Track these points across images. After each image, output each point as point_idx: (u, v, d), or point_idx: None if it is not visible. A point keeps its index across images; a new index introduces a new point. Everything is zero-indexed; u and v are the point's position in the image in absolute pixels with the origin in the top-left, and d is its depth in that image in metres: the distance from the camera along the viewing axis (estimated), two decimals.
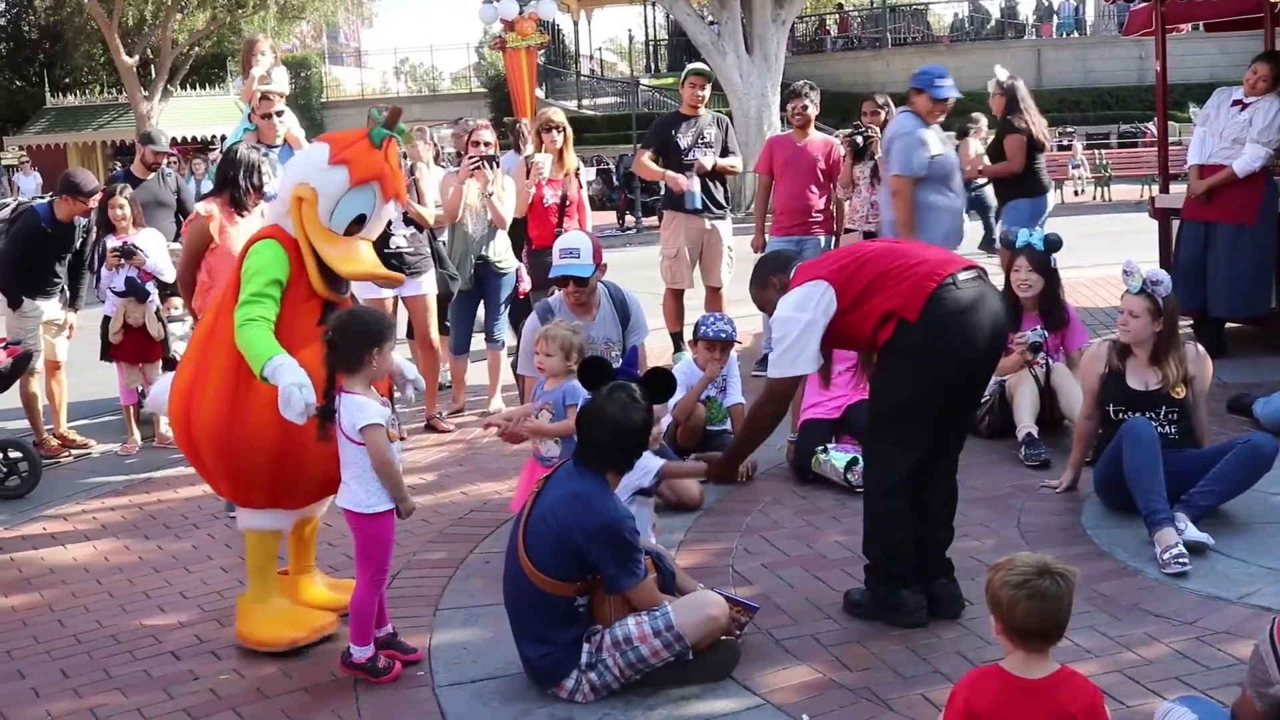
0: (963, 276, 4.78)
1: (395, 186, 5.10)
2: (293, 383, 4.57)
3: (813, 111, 9.57)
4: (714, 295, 9.85)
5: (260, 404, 4.80)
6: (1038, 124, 9.89)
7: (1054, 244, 7.46)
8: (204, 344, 5.06)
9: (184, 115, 37.05)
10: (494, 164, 8.69)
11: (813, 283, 4.89)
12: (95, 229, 8.93)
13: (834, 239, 9.50)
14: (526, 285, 9.03)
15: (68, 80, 43.28)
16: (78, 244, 8.75)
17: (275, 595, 5.26)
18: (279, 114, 8.43)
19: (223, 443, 4.93)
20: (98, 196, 8.56)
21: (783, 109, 11.83)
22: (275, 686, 4.79)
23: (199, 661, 5.09)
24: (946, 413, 4.92)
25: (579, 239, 6.75)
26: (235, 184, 7.09)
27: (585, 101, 44.22)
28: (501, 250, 8.90)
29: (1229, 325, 9.49)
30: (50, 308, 8.73)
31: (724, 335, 7.12)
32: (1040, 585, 3.21)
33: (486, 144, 8.74)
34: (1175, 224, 9.63)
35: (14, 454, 7.88)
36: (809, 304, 4.86)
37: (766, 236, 9.73)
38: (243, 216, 7.11)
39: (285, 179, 5.15)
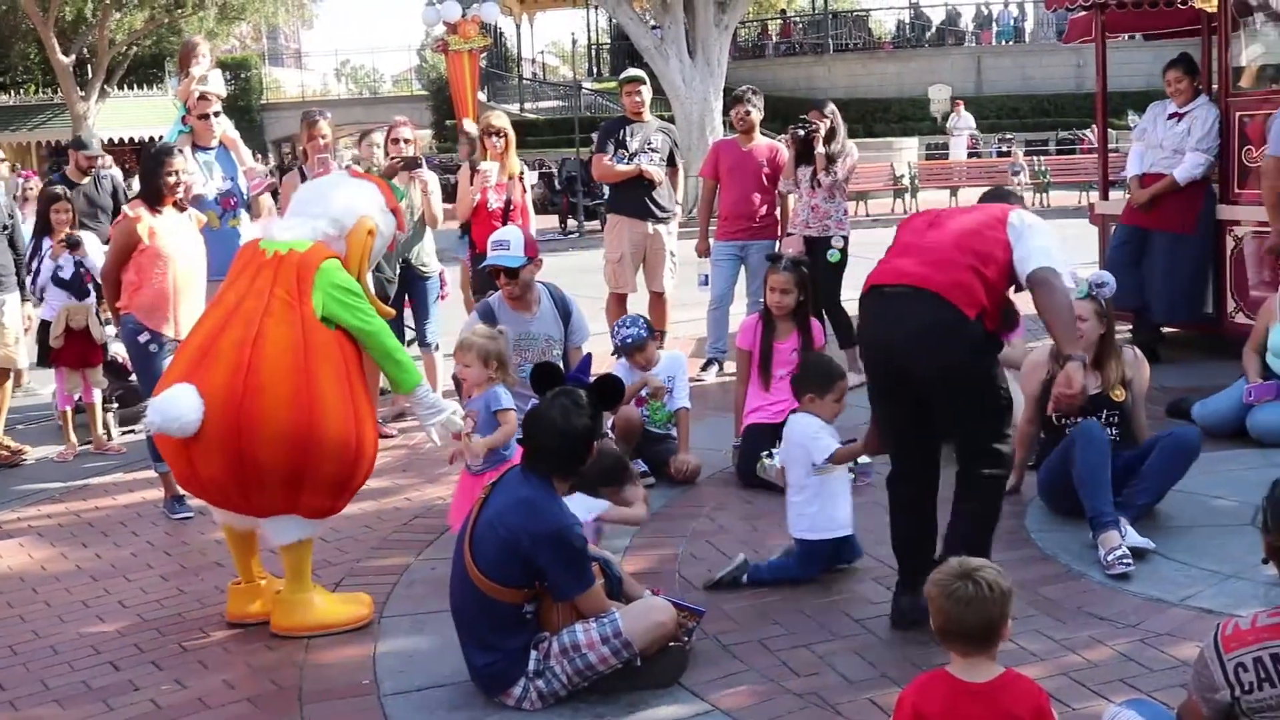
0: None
1: None
2: (456, 412, 5.51)
3: (756, 116, 9.59)
4: (657, 300, 9.85)
5: (368, 414, 5.20)
6: None
7: None
8: (299, 360, 4.97)
9: (121, 116, 36.67)
10: (416, 164, 8.63)
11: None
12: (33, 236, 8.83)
13: (778, 243, 9.51)
14: (449, 290, 9.02)
15: (2, 79, 42.65)
16: (8, 220, 8.58)
17: (315, 590, 5.35)
18: (216, 115, 8.34)
19: (346, 456, 5.08)
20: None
21: (726, 114, 11.86)
22: (218, 698, 4.72)
23: (139, 672, 5.01)
24: (884, 412, 5.02)
25: (510, 232, 6.86)
26: (154, 183, 7.02)
27: (527, 105, 44.08)
28: (427, 253, 8.87)
29: (1166, 330, 9.60)
30: (8, 309, 8.54)
31: (630, 342, 7.11)
32: (954, 588, 3.25)
33: (407, 141, 8.69)
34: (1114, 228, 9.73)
35: None
36: None
37: (711, 241, 9.75)
38: (159, 214, 7.01)
39: (348, 206, 5.32)
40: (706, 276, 9.83)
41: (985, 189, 6.00)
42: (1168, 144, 9.13)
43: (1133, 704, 3.53)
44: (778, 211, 9.63)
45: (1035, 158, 27.68)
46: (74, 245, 8.66)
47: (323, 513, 5.24)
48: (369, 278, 5.45)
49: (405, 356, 5.33)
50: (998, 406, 4.83)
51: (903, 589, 4.94)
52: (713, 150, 9.95)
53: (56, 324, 8.58)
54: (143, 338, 6.95)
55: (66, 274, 8.67)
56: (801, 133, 9.13)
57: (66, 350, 8.63)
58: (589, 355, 4.96)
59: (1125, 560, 5.28)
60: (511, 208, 8.97)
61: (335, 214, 5.26)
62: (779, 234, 9.60)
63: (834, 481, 5.52)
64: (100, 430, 8.77)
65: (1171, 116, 9.15)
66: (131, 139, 34.99)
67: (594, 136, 10.26)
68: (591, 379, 4.78)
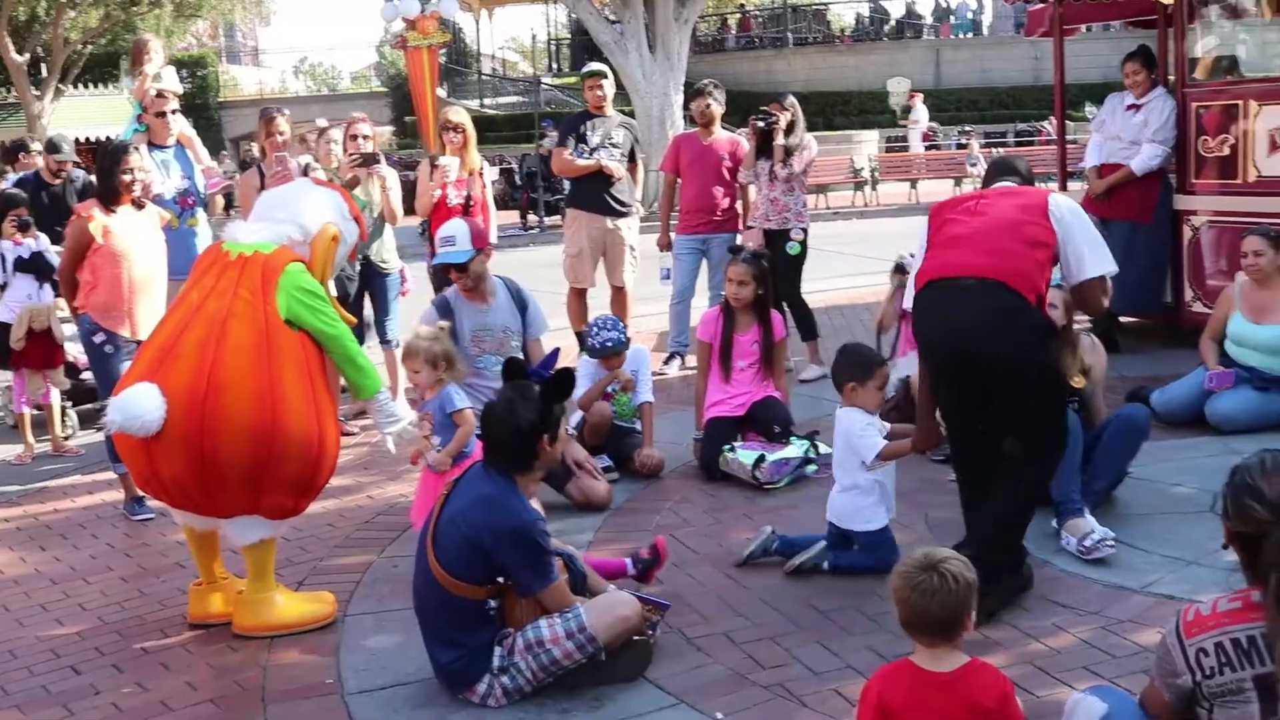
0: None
1: None
2: (413, 422, 5.62)
3: (717, 110, 9.60)
4: (618, 295, 9.84)
5: (330, 414, 5.19)
6: None
7: None
8: (262, 360, 4.96)
9: (77, 114, 36.27)
10: (374, 160, 8.58)
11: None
12: None
13: (739, 236, 9.52)
14: (410, 287, 8.98)
15: None
16: None
17: (277, 590, 5.33)
18: (173, 112, 8.28)
19: (309, 455, 5.06)
20: None
21: (686, 108, 11.84)
22: (180, 700, 4.68)
23: (100, 675, 4.96)
24: (948, 403, 5.10)
25: (455, 226, 6.81)
26: (105, 183, 6.96)
27: (487, 101, 44.01)
28: (387, 250, 8.84)
29: (1124, 320, 9.65)
30: None
31: (610, 346, 7.11)
32: (918, 580, 3.26)
33: (365, 138, 8.64)
34: None
35: None
36: None
37: (672, 235, 9.75)
38: (114, 214, 6.94)
39: (313, 212, 5.38)
40: (668, 271, 9.82)
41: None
42: (1125, 135, 9.19)
43: (1096, 690, 3.55)
44: (739, 205, 9.63)
45: (993, 149, 27.78)
46: (24, 227, 8.64)
47: (285, 513, 5.21)
48: (330, 284, 5.47)
49: (366, 362, 5.36)
50: (1056, 391, 4.97)
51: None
52: (673, 144, 9.96)
53: (18, 325, 8.48)
54: (98, 338, 6.89)
55: (26, 254, 8.62)
56: (762, 124, 9.14)
57: (28, 352, 8.55)
58: (556, 350, 4.95)
59: (1108, 543, 5.34)
60: (472, 203, 8.93)
61: (301, 219, 5.31)
62: (740, 227, 9.61)
63: (887, 472, 5.51)
64: (59, 431, 8.69)
65: (1129, 108, 9.21)
66: (87, 138, 34.66)
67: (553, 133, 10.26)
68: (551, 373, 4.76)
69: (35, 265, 8.67)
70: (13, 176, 10.70)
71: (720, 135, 9.68)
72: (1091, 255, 4.89)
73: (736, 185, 9.60)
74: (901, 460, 6.97)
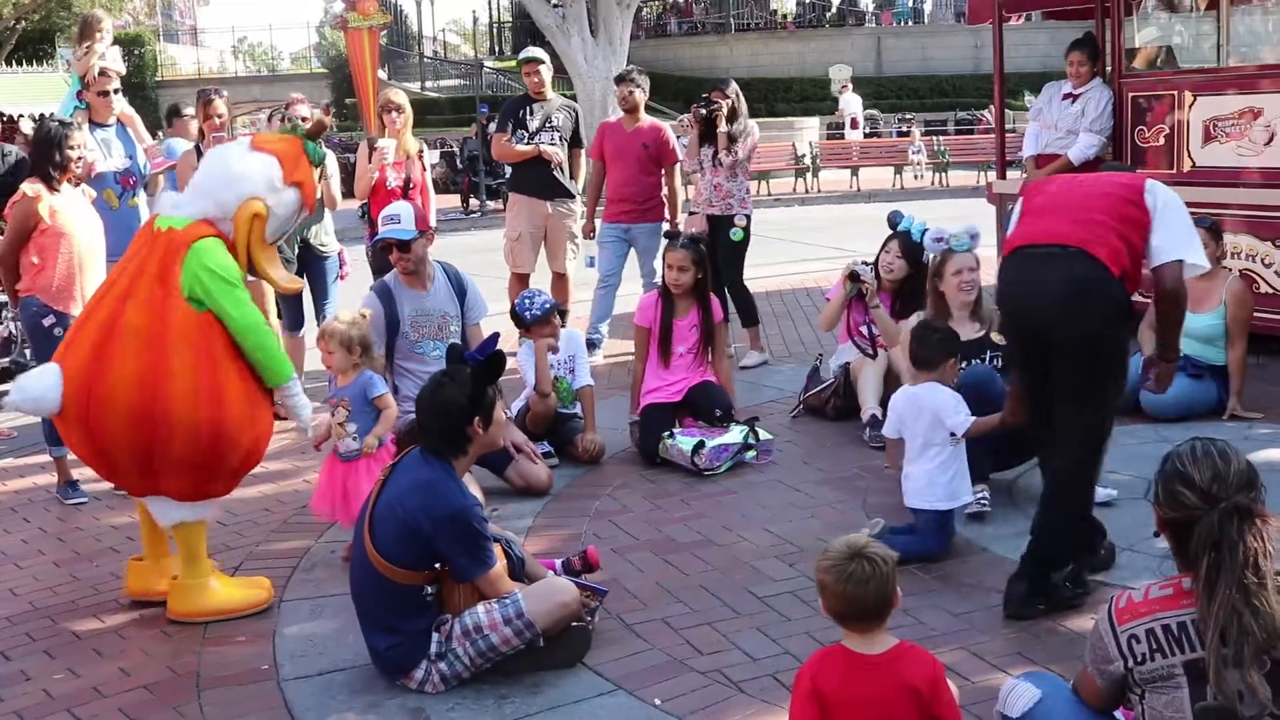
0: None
1: (313, 200, 5.49)
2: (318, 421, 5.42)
3: (640, 97, 9.52)
4: (559, 280, 9.81)
5: (235, 399, 5.01)
6: None
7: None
8: (156, 340, 4.91)
9: (9, 92, 35.71)
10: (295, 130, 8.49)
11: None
12: None
13: (669, 224, 9.49)
14: (349, 270, 8.92)
15: None
16: None
17: (212, 574, 5.27)
18: (116, 91, 8.16)
19: (200, 439, 4.93)
20: None
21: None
22: (113, 686, 4.63)
23: (31, 662, 4.90)
24: (1027, 376, 5.06)
25: (400, 206, 6.83)
26: (48, 161, 6.84)
27: (428, 83, 43.77)
28: (326, 233, 8.77)
29: None
30: None
31: (547, 307, 7.09)
32: (849, 570, 3.27)
33: (304, 119, 8.56)
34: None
35: None
36: None
37: (598, 222, 9.73)
38: (57, 193, 6.85)
39: (232, 186, 5.11)
40: (593, 259, 9.78)
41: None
42: (1062, 124, 9.27)
43: (1030, 676, 3.58)
44: (664, 192, 9.60)
45: (934, 138, 27.97)
46: None
47: (191, 496, 5.12)
48: (269, 259, 5.25)
49: (272, 346, 5.12)
50: (1121, 368, 4.96)
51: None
52: (599, 132, 9.89)
53: None
54: (47, 320, 6.76)
55: None
56: (704, 111, 9.14)
57: None
58: (495, 335, 4.90)
59: (982, 500, 5.64)
60: (411, 186, 8.88)
61: (219, 195, 5.10)
62: (668, 215, 9.55)
63: (961, 449, 5.48)
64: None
65: (1066, 97, 9.29)
66: (18, 115, 34.10)
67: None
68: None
69: None
70: None
71: (644, 122, 9.62)
72: (1176, 240, 4.86)
73: (662, 173, 9.57)
74: (838, 447, 7.09)
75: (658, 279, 9.06)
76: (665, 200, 9.67)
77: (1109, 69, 9.52)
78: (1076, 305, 4.68)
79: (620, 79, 9.72)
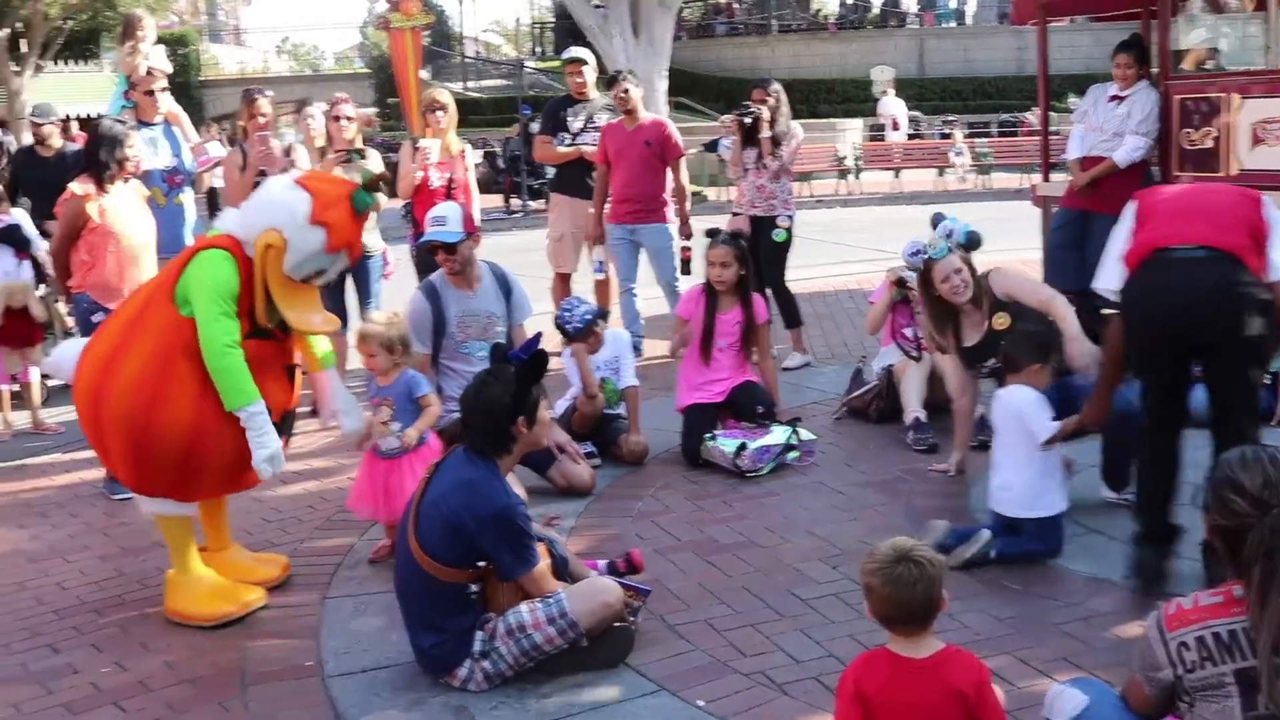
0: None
1: (359, 250, 5.41)
2: (271, 454, 4.96)
3: (635, 95, 9.28)
4: (600, 281, 9.80)
5: (177, 400, 4.89)
6: None
7: (973, 241, 7.46)
8: (129, 328, 5.04)
9: (56, 91, 35.98)
10: (361, 155, 8.53)
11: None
12: None
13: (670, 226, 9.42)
14: (393, 270, 8.92)
15: None
16: None
17: (200, 570, 5.29)
18: (163, 90, 8.23)
19: (134, 428, 4.93)
20: None
21: (671, 93, 11.67)
22: (159, 680, 4.67)
23: (79, 655, 4.95)
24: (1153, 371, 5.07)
25: (447, 208, 6.81)
26: (99, 160, 6.91)
27: (470, 84, 43.87)
28: (369, 234, 8.79)
29: (1109, 313, 9.65)
30: None
31: (589, 318, 7.07)
32: (897, 573, 3.26)
33: (348, 119, 8.59)
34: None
35: None
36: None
37: (606, 225, 9.53)
38: (107, 192, 6.92)
39: (260, 213, 5.07)
40: (600, 264, 9.62)
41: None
42: (1108, 127, 9.17)
43: (1077, 683, 3.56)
44: (671, 188, 9.44)
45: (977, 139, 27.79)
46: None
47: (138, 488, 5.20)
48: (295, 301, 5.08)
49: (229, 369, 4.90)
50: (1266, 362, 5.04)
51: (1147, 542, 4.99)
52: (601, 134, 9.59)
53: None
54: (96, 317, 6.82)
55: (3, 224, 8.59)
56: (748, 120, 9.11)
57: (6, 330, 8.51)
58: (538, 335, 4.91)
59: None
60: (454, 186, 8.91)
61: (248, 217, 5.12)
62: (680, 210, 9.40)
63: (1055, 454, 5.44)
64: (39, 408, 8.64)
65: (1112, 99, 9.20)
66: (67, 115, 34.42)
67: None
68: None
69: (10, 237, 8.61)
70: None
71: (644, 120, 9.40)
72: None
73: (667, 171, 9.38)
74: (881, 449, 7.06)
75: (680, 285, 9.05)
76: (673, 197, 9.46)
77: (1155, 71, 9.44)
78: (1225, 303, 4.72)
79: (611, 80, 9.50)
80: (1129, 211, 5.23)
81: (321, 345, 5.48)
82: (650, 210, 9.31)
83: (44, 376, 8.95)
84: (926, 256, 6.40)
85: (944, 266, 6.27)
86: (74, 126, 12.52)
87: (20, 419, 8.67)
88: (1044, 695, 3.62)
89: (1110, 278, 5.24)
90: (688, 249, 9.26)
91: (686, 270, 9.26)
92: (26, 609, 5.47)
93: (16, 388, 8.72)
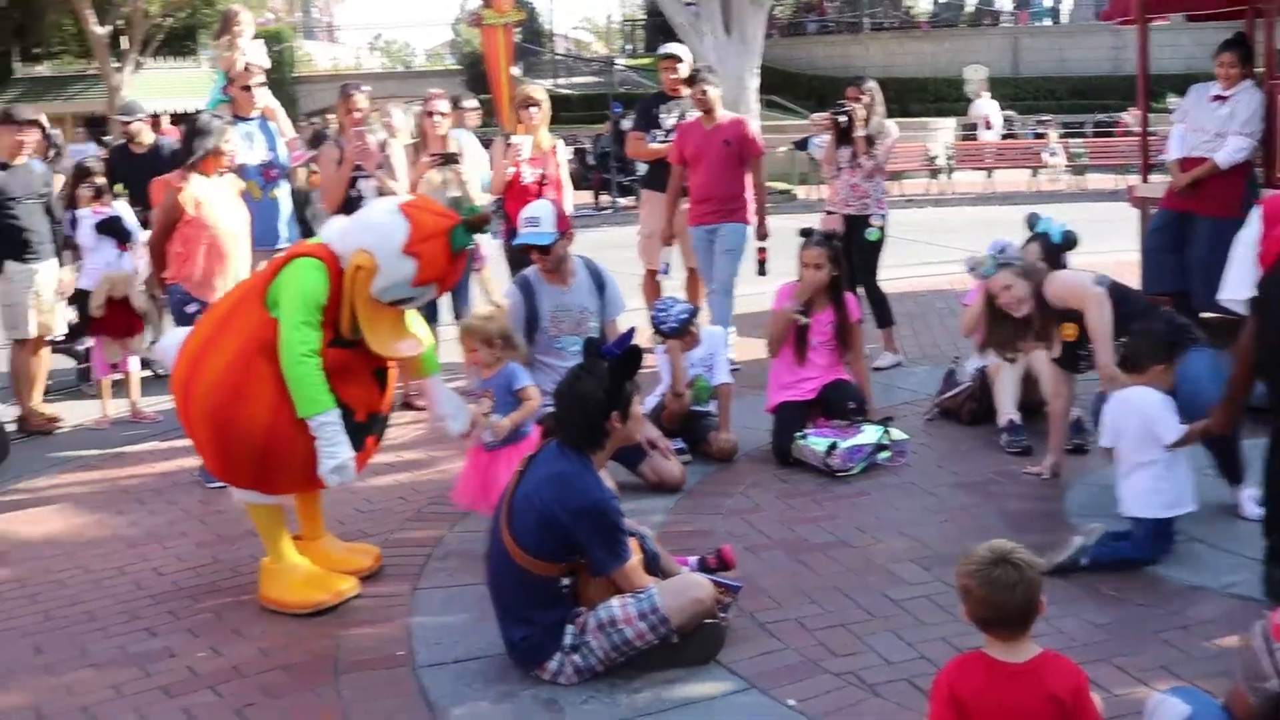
0: None
1: (450, 284, 5.38)
2: (339, 465, 4.97)
3: (714, 94, 9.09)
4: (693, 276, 9.79)
5: (257, 398, 4.96)
6: None
7: (1069, 241, 7.36)
8: (221, 324, 5.16)
9: (155, 87, 36.64)
10: (454, 160, 8.57)
11: None
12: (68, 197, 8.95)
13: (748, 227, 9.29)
14: (483, 264, 8.93)
15: (38, 50, 42.76)
16: (44, 189, 8.60)
17: (295, 559, 5.36)
18: (259, 85, 8.35)
19: (216, 422, 5.03)
20: (35, 128, 8.59)
21: (761, 91, 11.59)
22: (254, 666, 4.74)
23: (175, 639, 5.03)
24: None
25: (540, 207, 6.80)
26: (199, 153, 7.01)
27: (561, 80, 44.06)
28: None
29: (1207, 316, 9.48)
30: (44, 276, 8.54)
31: (685, 318, 7.02)
32: (994, 575, 3.23)
33: (443, 115, 8.64)
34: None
35: None
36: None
37: (686, 229, 9.33)
38: (204, 184, 7.02)
39: (359, 232, 5.09)
40: (667, 266, 9.47)
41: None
42: (1209, 127, 9.00)
43: (1179, 692, 3.49)
44: (749, 193, 9.17)
45: (1071, 140, 27.40)
46: (99, 193, 8.85)
47: (221, 476, 5.39)
48: (379, 325, 5.10)
49: (301, 378, 4.92)
50: None
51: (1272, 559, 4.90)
52: (678, 133, 9.41)
53: (97, 294, 8.61)
54: (190, 308, 6.95)
55: (102, 215, 8.78)
56: (842, 119, 9.03)
57: (107, 320, 8.67)
58: (632, 330, 4.91)
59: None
60: (545, 181, 8.93)
61: (348, 233, 5.14)
62: (758, 212, 9.16)
63: (1181, 454, 5.36)
64: (138, 398, 8.79)
65: (1214, 99, 9.02)
66: (165, 110, 35.00)
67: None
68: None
69: (113, 228, 8.78)
70: (79, 148, 11.00)
71: (723, 119, 9.18)
72: None
73: (746, 171, 9.15)
74: (974, 451, 6.98)
75: (733, 288, 8.98)
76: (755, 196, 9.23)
77: (1260, 70, 9.25)
78: None
79: (691, 79, 9.30)
80: (1255, 217, 5.12)
81: (424, 345, 5.49)
82: (731, 210, 9.10)
83: (146, 364, 9.16)
84: (981, 273, 6.34)
85: (993, 284, 6.23)
86: (164, 121, 12.73)
87: (120, 407, 8.82)
88: (1142, 704, 3.57)
89: (1238, 286, 5.12)
90: (764, 250, 9.13)
91: (762, 271, 9.14)
92: (125, 593, 5.57)
93: (119, 376, 8.88)
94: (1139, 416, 5.31)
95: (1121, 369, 5.55)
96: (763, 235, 9.10)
